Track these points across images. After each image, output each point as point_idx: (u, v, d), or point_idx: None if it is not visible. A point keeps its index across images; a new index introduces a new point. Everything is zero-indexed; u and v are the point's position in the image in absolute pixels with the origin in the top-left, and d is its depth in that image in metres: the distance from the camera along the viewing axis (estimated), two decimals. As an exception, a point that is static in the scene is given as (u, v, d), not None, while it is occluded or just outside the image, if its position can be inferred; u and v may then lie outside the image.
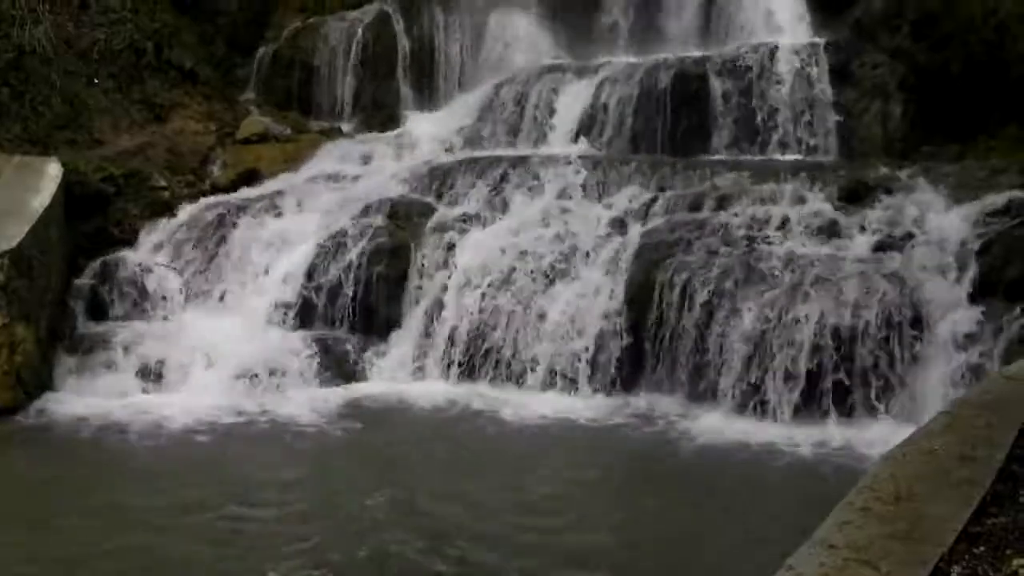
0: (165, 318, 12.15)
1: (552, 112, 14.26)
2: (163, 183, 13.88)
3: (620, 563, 7.24)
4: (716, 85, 13.84)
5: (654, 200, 12.09)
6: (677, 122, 13.83)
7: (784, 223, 11.34)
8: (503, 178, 12.95)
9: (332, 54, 16.15)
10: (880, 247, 10.91)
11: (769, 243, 11.10)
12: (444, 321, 11.44)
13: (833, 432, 9.66)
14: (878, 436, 9.11)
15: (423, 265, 11.97)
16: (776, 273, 10.66)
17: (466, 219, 12.35)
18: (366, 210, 12.66)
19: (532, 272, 11.45)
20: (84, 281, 12.32)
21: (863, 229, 11.18)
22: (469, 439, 9.77)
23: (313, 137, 15.24)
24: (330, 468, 9.10)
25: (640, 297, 11.01)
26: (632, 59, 14.88)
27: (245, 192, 13.89)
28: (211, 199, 13.76)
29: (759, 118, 13.63)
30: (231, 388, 10.97)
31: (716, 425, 9.84)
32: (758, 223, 11.36)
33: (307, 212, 12.92)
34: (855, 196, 11.67)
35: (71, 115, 14.48)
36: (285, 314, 11.98)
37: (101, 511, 7.99)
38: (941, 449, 5.33)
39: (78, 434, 9.90)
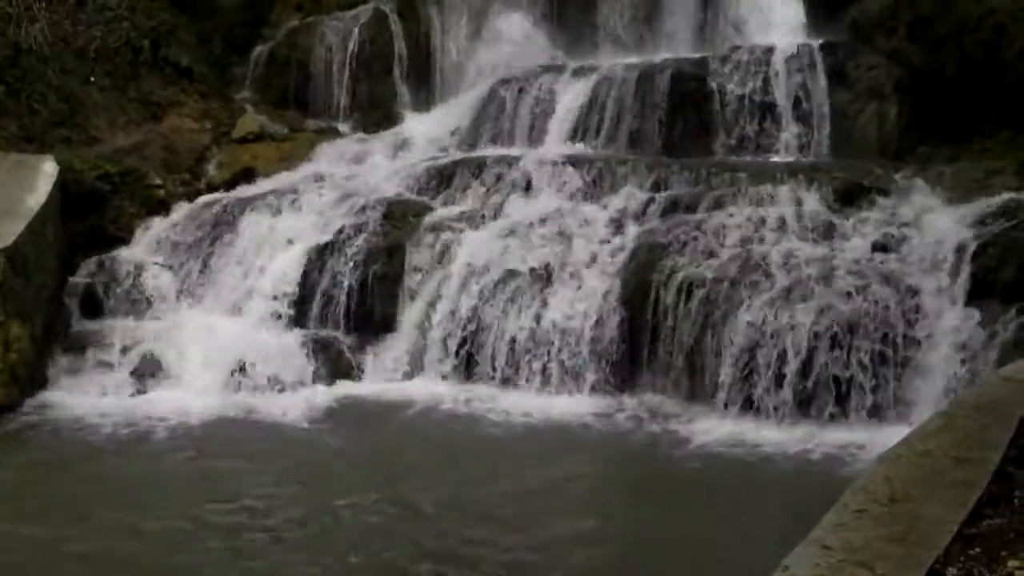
0: (160, 317, 12.13)
1: (549, 112, 14.24)
2: (159, 181, 13.87)
3: (615, 565, 7.25)
4: (713, 86, 13.82)
5: (651, 201, 12.08)
6: (674, 123, 13.81)
7: (780, 224, 11.34)
8: (499, 178, 12.94)
9: (329, 53, 16.13)
10: (876, 248, 10.91)
11: (766, 244, 11.09)
12: (439, 321, 11.42)
13: (829, 433, 9.65)
14: (873, 437, 9.11)
15: (419, 265, 11.96)
16: (772, 274, 10.66)
17: (462, 219, 12.34)
18: (362, 209, 12.64)
19: (528, 272, 11.45)
20: (79, 279, 12.32)
21: (859, 230, 11.18)
22: (464, 440, 9.77)
23: (309, 136, 15.23)
24: (324, 469, 9.07)
25: (636, 298, 11.02)
26: (629, 59, 14.86)
27: (241, 191, 13.86)
28: (207, 197, 13.75)
29: (756, 119, 13.63)
30: (226, 387, 10.98)
31: (712, 426, 9.85)
32: (754, 224, 11.36)
33: (303, 211, 12.89)
34: (851, 197, 11.68)
35: (67, 113, 14.47)
36: (280, 313, 11.97)
37: (90, 511, 7.98)
38: (936, 450, 5.35)
39: (73, 433, 9.89)
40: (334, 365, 11.41)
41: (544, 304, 11.23)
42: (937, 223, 10.96)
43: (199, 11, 16.68)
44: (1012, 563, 4.14)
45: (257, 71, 16.50)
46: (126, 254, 12.71)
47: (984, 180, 11.57)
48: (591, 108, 14.05)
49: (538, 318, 11.20)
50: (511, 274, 11.47)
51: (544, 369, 10.93)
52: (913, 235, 10.90)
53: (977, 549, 4.27)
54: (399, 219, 12.50)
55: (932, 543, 4.28)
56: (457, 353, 11.25)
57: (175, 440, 9.72)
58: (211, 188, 14.23)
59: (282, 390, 11.02)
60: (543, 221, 12.08)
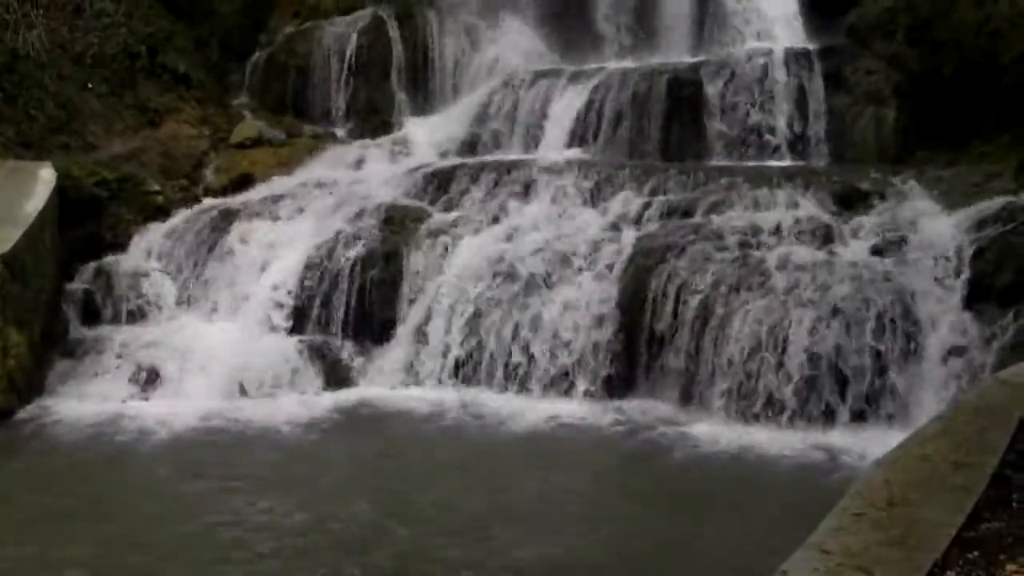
0: (158, 323, 12.12)
1: (546, 117, 14.28)
2: (157, 188, 13.87)
3: (613, 571, 7.23)
4: (710, 90, 13.84)
5: (648, 205, 12.09)
6: (671, 127, 13.84)
7: (778, 228, 11.34)
8: (497, 183, 12.96)
9: (327, 59, 16.14)
10: (874, 252, 10.90)
11: (763, 248, 11.09)
12: (438, 326, 11.42)
13: (828, 437, 9.66)
14: (872, 441, 9.11)
15: (417, 270, 11.95)
16: (770, 278, 10.65)
17: (460, 224, 12.34)
18: (360, 215, 12.65)
19: (527, 277, 11.44)
20: (77, 286, 12.32)
21: (857, 235, 11.18)
22: (462, 445, 9.76)
23: (307, 142, 15.23)
24: (322, 476, 9.03)
25: (634, 302, 11.01)
26: (626, 64, 14.89)
27: (239, 197, 13.86)
28: (205, 203, 13.78)
29: (753, 123, 13.63)
30: (224, 393, 10.95)
31: (710, 430, 9.84)
32: (752, 228, 11.36)
33: (301, 217, 12.90)
34: (849, 202, 11.70)
35: (65, 119, 14.47)
36: (278, 319, 11.96)
37: (82, 523, 7.94)
38: (935, 454, 5.34)
39: (71, 440, 9.87)
40: (332, 371, 11.40)
41: (542, 309, 11.23)
42: (935, 227, 10.96)
43: (196, 17, 16.69)
44: (1010, 567, 4.13)
45: (255, 77, 16.51)
46: (124, 261, 12.71)
47: (982, 184, 11.58)
48: (588, 113, 14.08)
49: (536, 323, 11.19)
50: (509, 279, 11.46)
51: (542, 374, 10.93)
52: (911, 239, 10.90)
53: (975, 553, 4.27)
54: (397, 224, 12.50)
55: (931, 547, 4.28)
56: (455, 359, 11.25)
57: (172, 448, 9.69)
58: (209, 194, 14.24)
59: (280, 396, 10.99)
60: (541, 226, 12.09)
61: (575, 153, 13.75)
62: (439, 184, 13.28)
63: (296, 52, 16.36)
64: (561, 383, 10.89)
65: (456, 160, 14.15)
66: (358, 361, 11.55)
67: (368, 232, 12.35)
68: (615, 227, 11.92)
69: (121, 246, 13.03)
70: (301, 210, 13.04)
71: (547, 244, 11.76)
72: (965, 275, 10.35)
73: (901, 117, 13.52)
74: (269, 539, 7.64)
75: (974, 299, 10.23)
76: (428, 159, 14.42)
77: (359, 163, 14.52)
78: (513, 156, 13.92)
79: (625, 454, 9.61)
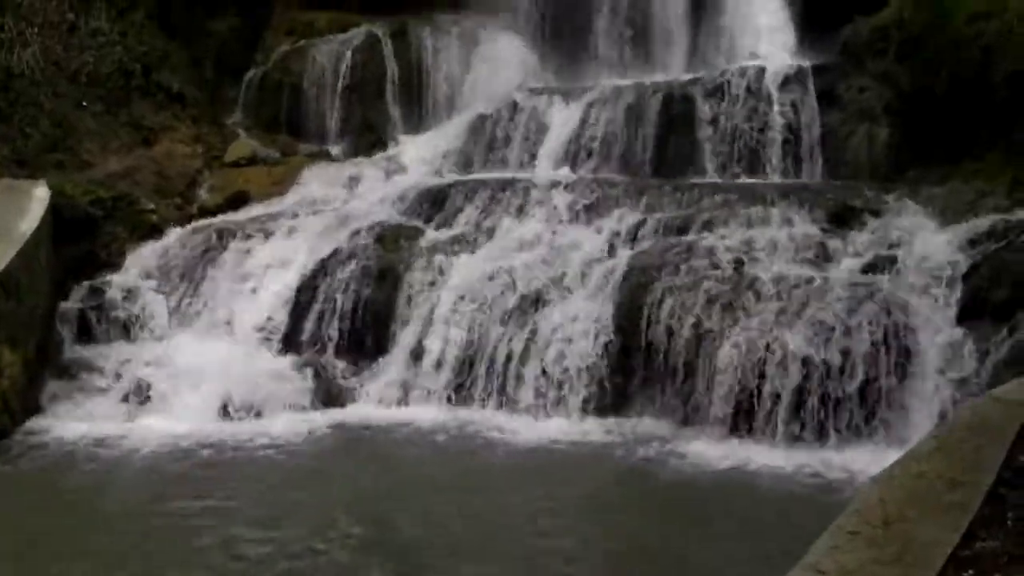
0: (153, 342, 12.10)
1: (540, 135, 14.30)
2: (151, 206, 13.85)
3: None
4: (704, 108, 13.88)
5: (642, 223, 12.10)
6: (665, 145, 13.87)
7: (772, 246, 11.36)
8: (492, 201, 12.97)
9: (321, 77, 16.18)
10: (868, 270, 10.93)
11: (757, 266, 11.10)
12: (433, 345, 11.40)
13: (823, 455, 9.64)
14: (867, 459, 9.12)
15: (412, 289, 11.94)
16: (764, 296, 10.66)
17: (455, 242, 12.35)
18: (355, 233, 12.64)
19: (521, 295, 11.44)
20: (71, 304, 12.26)
21: (851, 252, 11.21)
22: (457, 464, 9.73)
23: (302, 160, 15.23)
24: (315, 496, 8.97)
25: (629, 320, 11.00)
26: (620, 82, 14.93)
27: (233, 215, 13.87)
28: (199, 222, 13.74)
29: (746, 141, 13.67)
30: (218, 412, 10.89)
31: (706, 448, 9.82)
32: (746, 246, 11.38)
33: (295, 235, 12.89)
34: (842, 219, 11.73)
35: (59, 137, 14.46)
36: (273, 338, 11.95)
37: (73, 546, 7.89)
38: (930, 472, 5.34)
39: (65, 459, 9.82)
40: (327, 390, 11.36)
41: (537, 327, 11.21)
42: (928, 244, 10.99)
43: (191, 36, 16.72)
44: (1006, 586, 4.13)
45: (249, 95, 16.53)
46: (118, 279, 12.67)
47: (975, 201, 11.62)
48: (583, 131, 14.10)
49: (531, 341, 11.18)
50: (504, 298, 11.46)
51: (537, 392, 10.90)
52: (905, 256, 10.92)
53: (971, 572, 4.27)
54: (392, 243, 12.50)
55: (926, 565, 4.28)
56: (450, 377, 11.22)
57: (164, 469, 9.62)
58: (203, 212, 14.20)
59: (274, 416, 10.93)
60: (536, 244, 12.11)
61: (569, 171, 13.77)
62: (434, 202, 13.28)
63: (290, 70, 16.39)
64: (556, 401, 10.86)
65: (451, 178, 14.16)
66: (352, 380, 11.52)
67: (362, 250, 12.34)
68: (610, 245, 11.94)
69: (115, 265, 12.99)
70: (295, 229, 13.03)
71: (542, 262, 11.77)
72: (959, 291, 10.38)
73: (894, 134, 13.56)
74: (261, 559, 7.61)
75: (968, 315, 10.24)
76: (423, 177, 14.42)
77: (353, 181, 14.52)
78: (508, 174, 13.92)
79: (620, 472, 9.58)
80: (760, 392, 10.09)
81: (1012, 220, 10.85)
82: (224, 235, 13.09)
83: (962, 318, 10.23)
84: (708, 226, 11.85)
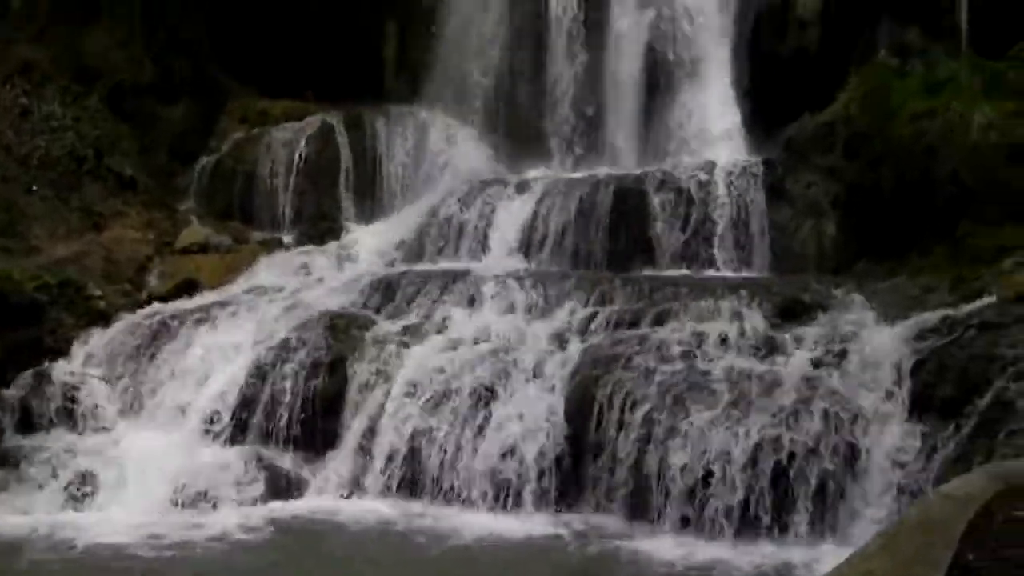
0: (97, 432, 11.89)
1: (493, 226, 14.37)
2: (99, 292, 13.73)
3: None
4: (655, 201, 14.04)
5: (594, 315, 12.13)
6: (617, 237, 13.99)
7: (722, 340, 11.40)
8: (443, 292, 12.95)
9: (275, 164, 16.23)
10: (817, 364, 10.99)
11: (708, 360, 11.13)
12: (382, 438, 11.27)
13: (773, 551, 9.60)
14: (816, 556, 9.12)
15: (361, 380, 11.84)
16: (715, 390, 10.68)
17: (406, 333, 12.29)
18: (305, 323, 12.56)
19: (471, 388, 11.37)
20: (14, 392, 12.06)
21: (800, 346, 11.27)
22: (405, 560, 9.59)
23: (253, 248, 15.21)
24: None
25: (580, 414, 10.96)
26: (572, 174, 15.08)
27: (183, 303, 13.74)
28: (148, 309, 13.62)
29: (697, 234, 13.82)
30: (164, 505, 10.71)
31: (656, 545, 9.73)
32: (697, 340, 11.42)
33: (245, 324, 12.79)
34: (791, 313, 11.82)
35: (7, 222, 14.35)
36: (220, 428, 11.77)
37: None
38: (878, 570, 5.31)
39: (2, 555, 9.57)
40: (275, 482, 11.19)
41: (487, 420, 11.14)
42: (876, 339, 11.07)
43: (144, 121, 16.75)
44: None
45: (202, 182, 16.54)
46: (63, 367, 12.49)
47: (920, 296, 11.78)
48: (535, 222, 14.21)
49: (481, 434, 11.10)
50: (454, 389, 11.39)
51: (487, 487, 10.78)
52: (853, 351, 10.99)
53: None
54: (343, 332, 12.42)
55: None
56: (399, 470, 11.09)
57: (107, 565, 9.40)
58: (153, 299, 14.09)
59: (221, 508, 10.76)
60: (487, 336, 12.08)
61: (521, 262, 13.84)
62: (385, 292, 13.25)
63: (244, 158, 16.42)
64: (506, 496, 10.74)
65: (402, 268, 14.17)
66: (301, 472, 11.36)
67: (313, 340, 12.25)
68: (561, 337, 11.93)
69: (61, 352, 12.81)
70: (246, 317, 12.93)
71: (493, 354, 11.72)
72: (907, 387, 10.43)
73: (841, 228, 13.79)
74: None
75: (916, 411, 10.29)
76: (374, 266, 14.44)
77: (305, 269, 14.51)
78: (460, 264, 13.97)
79: (572, 569, 9.48)
80: (711, 487, 10.05)
81: (957, 315, 10.96)
82: (173, 323, 12.97)
83: (911, 414, 10.28)
84: (659, 319, 11.89)
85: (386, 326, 12.52)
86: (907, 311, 11.41)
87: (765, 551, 9.60)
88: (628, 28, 16.29)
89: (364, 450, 11.33)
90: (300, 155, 16.14)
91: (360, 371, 11.89)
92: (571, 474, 10.79)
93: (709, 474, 10.11)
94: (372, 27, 18.14)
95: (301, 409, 11.79)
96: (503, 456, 10.89)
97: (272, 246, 15.29)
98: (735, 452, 10.14)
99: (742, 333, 11.47)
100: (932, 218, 13.21)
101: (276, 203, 16.06)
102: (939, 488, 7.95)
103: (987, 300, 11.10)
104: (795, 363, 11.03)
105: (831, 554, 8.34)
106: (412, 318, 12.63)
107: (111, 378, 12.42)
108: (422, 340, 12.15)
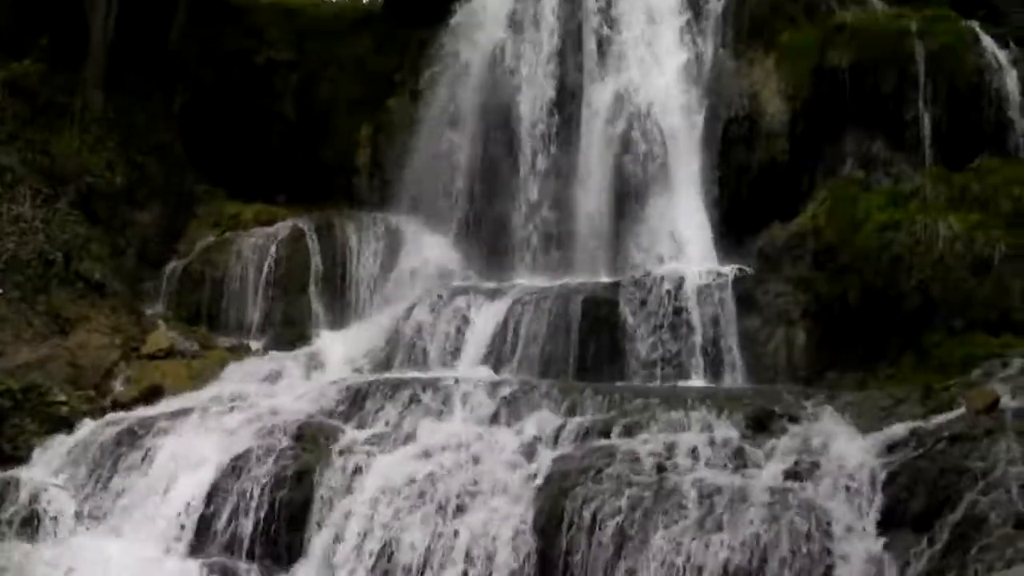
0: (55, 542, 11.60)
1: (463, 334, 14.35)
2: (63, 398, 13.57)
3: None
4: (626, 311, 14.08)
5: (563, 426, 12.03)
6: (587, 347, 13.99)
7: (693, 451, 11.32)
8: (412, 400, 12.82)
9: (244, 270, 16.21)
10: (788, 476, 10.91)
11: (678, 472, 11.02)
12: (348, 549, 11.04)
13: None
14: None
15: (328, 490, 11.64)
16: (685, 504, 10.56)
17: (374, 443, 12.13)
18: (272, 431, 12.36)
19: (440, 499, 11.20)
20: (-30, 500, 11.81)
21: (771, 458, 11.20)
22: None
23: (221, 354, 15.09)
24: None
25: (549, 526, 10.78)
26: (543, 282, 15.13)
27: (147, 410, 13.52)
28: (112, 416, 13.36)
29: (667, 344, 13.84)
30: (121, 621, 10.46)
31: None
32: (667, 451, 11.33)
33: (210, 432, 12.55)
34: (762, 425, 11.75)
35: (-30, 326, 14.21)
36: (182, 540, 11.51)
37: None
38: None
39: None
40: (237, 596, 10.95)
41: (456, 532, 10.94)
42: (847, 451, 11.00)
43: (113, 225, 16.78)
44: None
45: (171, 286, 16.50)
46: (23, 474, 12.22)
47: (890, 408, 11.78)
48: (505, 331, 14.19)
49: (449, 546, 10.90)
50: (421, 502, 11.21)
51: (455, 600, 10.59)
52: (824, 463, 10.90)
53: None
54: (310, 441, 12.23)
55: None
56: (366, 583, 10.88)
57: None
58: (118, 406, 13.92)
59: (180, 623, 10.51)
60: (456, 446, 11.92)
61: (491, 371, 13.77)
62: (353, 400, 13.07)
63: (213, 263, 16.41)
64: (474, 610, 10.55)
65: (371, 376, 14.05)
66: (266, 585, 11.14)
67: (279, 450, 12.05)
68: (531, 447, 11.81)
69: (21, 458, 12.61)
70: (211, 425, 12.72)
71: (461, 465, 11.58)
72: (878, 501, 10.37)
73: (811, 338, 13.86)
74: None
75: (888, 525, 10.21)
76: (343, 374, 14.33)
77: (273, 377, 14.37)
78: (429, 373, 13.88)
79: None
80: (683, 600, 9.90)
81: (927, 428, 10.95)
82: (137, 430, 12.73)
83: (882, 528, 10.20)
84: (630, 430, 11.78)
85: (353, 435, 12.35)
86: (878, 423, 11.38)
87: (737, 669, 9.44)
88: (598, 139, 16.51)
89: (330, 563, 11.09)
90: (270, 260, 16.14)
91: (326, 482, 11.68)
92: (541, 588, 10.61)
93: (681, 589, 9.97)
94: (346, 132, 18.35)
95: (266, 520, 11.55)
96: (471, 570, 10.70)
97: (240, 352, 15.18)
98: (705, 566, 10.00)
99: (713, 444, 11.40)
100: (899, 328, 13.32)
101: (245, 308, 16.01)
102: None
103: (957, 412, 11.12)
104: (766, 476, 10.95)
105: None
106: (380, 427, 12.47)
107: (72, 486, 12.16)
108: (390, 450, 11.99)
